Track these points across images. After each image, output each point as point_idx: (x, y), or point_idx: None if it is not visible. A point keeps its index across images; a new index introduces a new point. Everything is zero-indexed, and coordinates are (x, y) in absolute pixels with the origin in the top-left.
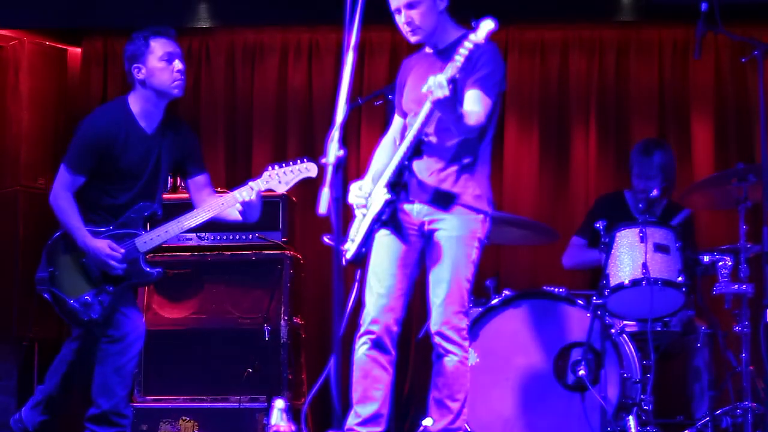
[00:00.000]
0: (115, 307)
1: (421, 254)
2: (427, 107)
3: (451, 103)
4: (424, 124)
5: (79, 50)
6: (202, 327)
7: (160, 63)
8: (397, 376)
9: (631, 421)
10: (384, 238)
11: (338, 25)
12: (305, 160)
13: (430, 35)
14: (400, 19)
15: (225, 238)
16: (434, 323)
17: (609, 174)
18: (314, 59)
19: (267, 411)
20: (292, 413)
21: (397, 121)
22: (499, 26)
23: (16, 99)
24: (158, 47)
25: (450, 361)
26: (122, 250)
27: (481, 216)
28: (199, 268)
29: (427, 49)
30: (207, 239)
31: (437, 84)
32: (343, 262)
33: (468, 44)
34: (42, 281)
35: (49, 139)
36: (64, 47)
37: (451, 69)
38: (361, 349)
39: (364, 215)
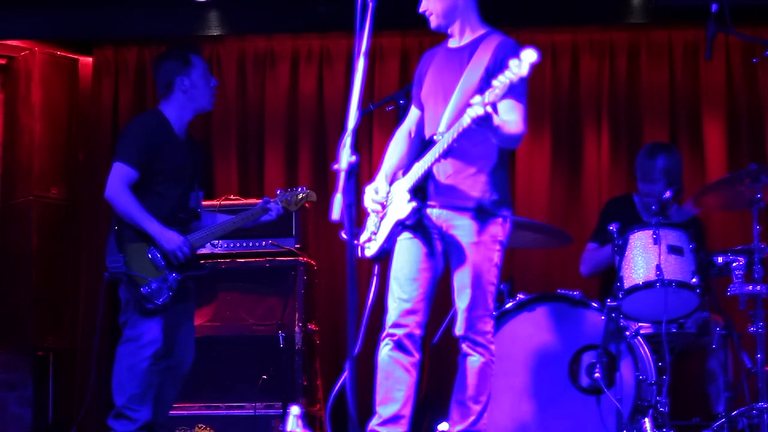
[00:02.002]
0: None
1: (444, 257)
2: (463, 123)
3: (489, 121)
4: (459, 138)
5: (90, 60)
6: (216, 334)
7: (203, 79)
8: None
9: (647, 423)
10: (405, 242)
11: (349, 31)
12: (305, 189)
13: (449, 24)
14: (421, 8)
15: (239, 245)
16: (459, 328)
17: (621, 176)
18: (325, 66)
19: (282, 417)
20: (308, 419)
21: (413, 113)
22: (508, 30)
23: (27, 109)
24: (200, 64)
25: (476, 362)
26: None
27: (500, 219)
28: (213, 276)
29: (450, 43)
30: (220, 246)
31: (477, 105)
32: (362, 255)
33: (510, 74)
34: (117, 266)
35: (61, 149)
36: (76, 57)
37: (490, 96)
38: (384, 350)
39: (385, 214)
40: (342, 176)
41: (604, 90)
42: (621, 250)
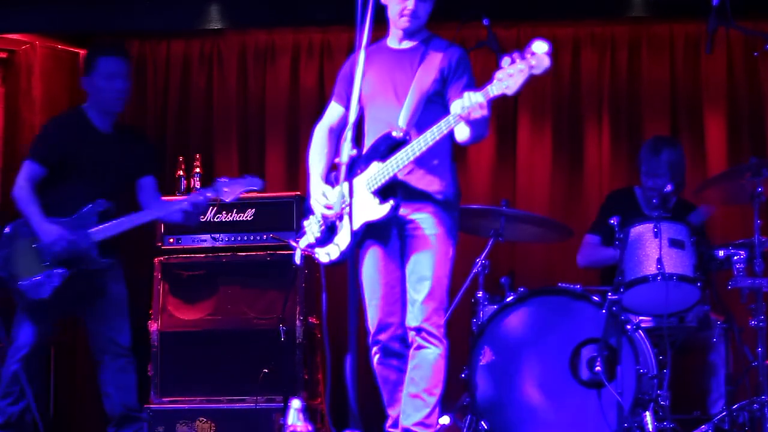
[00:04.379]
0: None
1: (402, 253)
2: (451, 121)
3: (486, 121)
4: (442, 138)
5: None
6: (217, 328)
7: (105, 81)
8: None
9: (648, 416)
10: (372, 252)
11: (350, 25)
12: (249, 176)
13: (421, 27)
14: (408, 5)
15: (239, 239)
16: (414, 320)
17: (622, 170)
18: (326, 60)
19: (283, 411)
20: (309, 413)
21: (336, 110)
22: (509, 24)
23: (28, 103)
24: (106, 66)
25: (431, 354)
26: (69, 237)
27: (456, 213)
28: (213, 270)
29: (390, 43)
30: (221, 240)
31: (477, 104)
32: (319, 261)
33: (522, 67)
34: None
35: None
36: (76, 51)
37: (496, 89)
38: (375, 358)
39: (340, 217)
40: (343, 169)
41: (605, 84)
42: (622, 243)
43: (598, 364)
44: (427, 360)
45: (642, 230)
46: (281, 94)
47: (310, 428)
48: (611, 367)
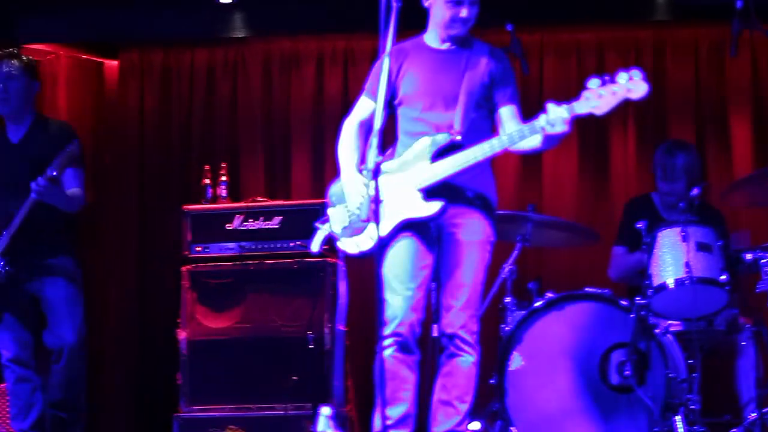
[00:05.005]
0: None
1: (438, 255)
2: (526, 131)
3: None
4: (502, 150)
5: (115, 63)
6: (245, 336)
7: None
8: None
9: (678, 421)
10: (406, 240)
11: (373, 32)
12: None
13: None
14: (462, 12)
15: (267, 246)
16: (450, 326)
17: (648, 174)
18: (350, 66)
19: (313, 418)
20: (339, 420)
21: (367, 105)
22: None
23: (53, 113)
24: None
25: (465, 361)
26: None
27: (495, 219)
28: (241, 278)
29: (429, 42)
30: (248, 248)
31: (561, 120)
32: (343, 251)
33: (618, 90)
34: None
35: (88, 152)
36: (101, 60)
37: (583, 108)
38: (387, 351)
39: (376, 210)
40: (369, 176)
41: None
42: (649, 247)
43: (627, 368)
44: (460, 368)
45: (669, 234)
46: (306, 102)
47: None
48: (641, 371)
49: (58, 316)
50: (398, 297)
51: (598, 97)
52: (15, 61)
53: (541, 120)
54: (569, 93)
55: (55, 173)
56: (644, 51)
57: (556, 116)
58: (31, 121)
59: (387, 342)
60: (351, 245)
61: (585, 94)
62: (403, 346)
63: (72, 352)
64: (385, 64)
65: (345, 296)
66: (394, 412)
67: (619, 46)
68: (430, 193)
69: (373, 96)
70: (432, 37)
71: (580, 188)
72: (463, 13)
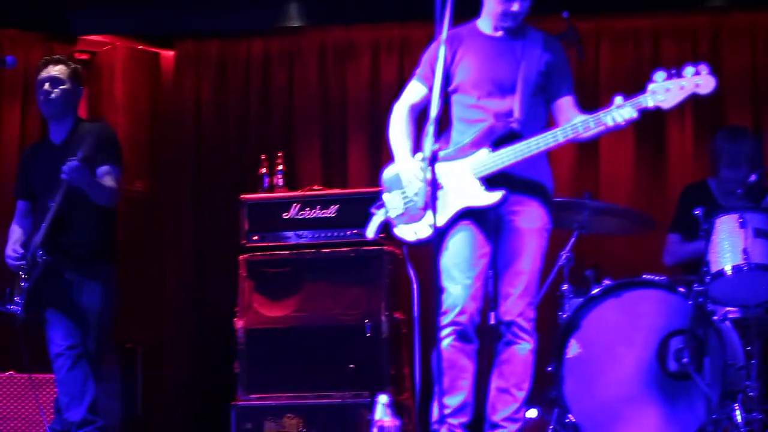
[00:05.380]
0: None
1: (495, 242)
2: (591, 123)
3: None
4: (566, 141)
5: (171, 54)
6: (303, 324)
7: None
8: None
9: (737, 408)
10: (464, 228)
11: (429, 20)
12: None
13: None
14: (513, 6)
15: (323, 235)
16: (508, 314)
17: (706, 160)
18: (405, 55)
19: (371, 406)
20: (396, 408)
21: (418, 89)
22: (588, 16)
23: (110, 104)
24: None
25: (523, 349)
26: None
27: (552, 207)
28: (298, 267)
29: (483, 28)
30: (305, 237)
31: (629, 113)
32: (403, 238)
33: (686, 85)
34: None
35: (144, 142)
36: (157, 51)
37: (650, 102)
38: (447, 340)
39: (434, 196)
40: (426, 164)
41: None
42: (707, 234)
43: (685, 355)
44: (518, 355)
45: (727, 221)
46: (361, 91)
47: (397, 423)
48: (699, 358)
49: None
50: (458, 286)
51: (665, 91)
52: (62, 66)
53: (611, 112)
54: (625, 80)
55: (84, 154)
56: (700, 37)
57: (624, 110)
58: (73, 123)
59: (446, 331)
60: (408, 232)
61: (651, 87)
62: (462, 335)
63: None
64: (441, 53)
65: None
66: (453, 401)
67: (675, 33)
68: (488, 181)
69: (425, 81)
70: (485, 24)
71: (637, 175)
72: (515, 7)
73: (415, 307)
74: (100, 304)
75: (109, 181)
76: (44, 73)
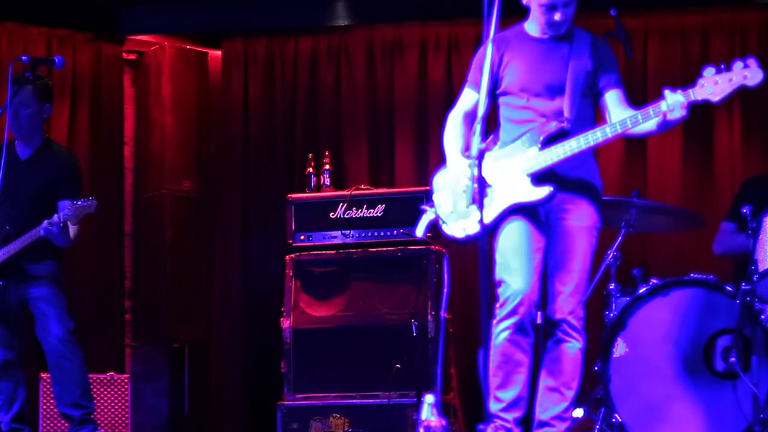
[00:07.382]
0: None
1: (548, 239)
2: (639, 118)
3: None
4: (615, 136)
5: (219, 53)
6: (349, 324)
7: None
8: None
9: None
10: (517, 221)
11: (477, 18)
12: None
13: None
14: (555, 16)
15: (370, 234)
16: (558, 312)
17: (755, 157)
18: (453, 53)
19: (417, 406)
20: (442, 408)
21: (470, 96)
22: (636, 13)
23: (159, 104)
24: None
25: (573, 347)
26: None
27: (601, 204)
28: (344, 266)
29: (530, 30)
30: (352, 237)
31: (678, 105)
32: (452, 236)
33: (734, 77)
34: None
35: (192, 142)
36: (205, 50)
37: (699, 94)
38: (503, 333)
39: (483, 194)
40: (474, 163)
41: None
42: (755, 232)
43: (732, 354)
44: (567, 353)
45: None
46: (409, 89)
47: (443, 423)
48: (746, 357)
49: (45, 314)
50: (516, 277)
51: (714, 84)
52: (28, 87)
53: (662, 106)
54: (673, 77)
55: (64, 221)
56: (749, 34)
57: (674, 102)
58: (40, 143)
59: (503, 324)
60: (458, 229)
61: (701, 81)
62: (520, 327)
63: (62, 343)
64: (488, 51)
65: (448, 284)
66: (507, 395)
67: (724, 29)
68: (538, 179)
69: (476, 87)
70: (532, 26)
71: (685, 173)
72: (557, 17)
73: (443, 309)
74: (48, 292)
75: (73, 231)
76: (14, 96)
